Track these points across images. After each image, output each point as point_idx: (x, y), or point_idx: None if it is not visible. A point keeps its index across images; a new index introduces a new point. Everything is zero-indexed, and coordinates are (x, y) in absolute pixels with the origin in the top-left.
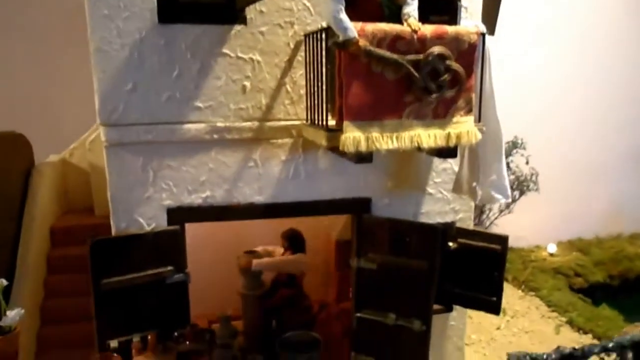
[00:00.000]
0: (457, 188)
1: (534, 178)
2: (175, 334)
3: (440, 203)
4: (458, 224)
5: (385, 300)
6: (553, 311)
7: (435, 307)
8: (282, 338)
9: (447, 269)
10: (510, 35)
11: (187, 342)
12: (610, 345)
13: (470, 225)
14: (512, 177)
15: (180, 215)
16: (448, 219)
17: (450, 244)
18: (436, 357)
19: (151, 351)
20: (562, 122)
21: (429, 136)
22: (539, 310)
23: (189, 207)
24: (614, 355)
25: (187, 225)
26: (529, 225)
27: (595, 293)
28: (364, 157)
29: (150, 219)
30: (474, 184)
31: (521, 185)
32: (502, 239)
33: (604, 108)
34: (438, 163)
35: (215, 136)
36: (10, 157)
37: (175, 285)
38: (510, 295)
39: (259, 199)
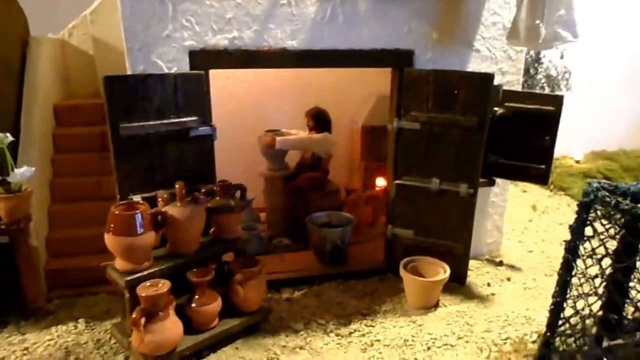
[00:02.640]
0: (513, 34)
1: (567, 76)
2: (203, 190)
3: (487, 62)
4: (505, 88)
5: (428, 164)
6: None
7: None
8: (311, 217)
9: (491, 138)
10: None
11: (217, 198)
12: None
13: (518, 90)
14: (544, 73)
15: (204, 59)
16: (495, 81)
17: (497, 109)
18: (475, 236)
19: (180, 202)
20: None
21: None
22: (571, 207)
23: (213, 49)
24: None
25: None
26: None
27: None
28: None
29: (170, 62)
30: (537, 21)
31: (552, 83)
32: (557, 98)
33: None
34: (488, 16)
35: None
36: (4, 20)
37: (200, 138)
38: (539, 194)
39: (292, 43)
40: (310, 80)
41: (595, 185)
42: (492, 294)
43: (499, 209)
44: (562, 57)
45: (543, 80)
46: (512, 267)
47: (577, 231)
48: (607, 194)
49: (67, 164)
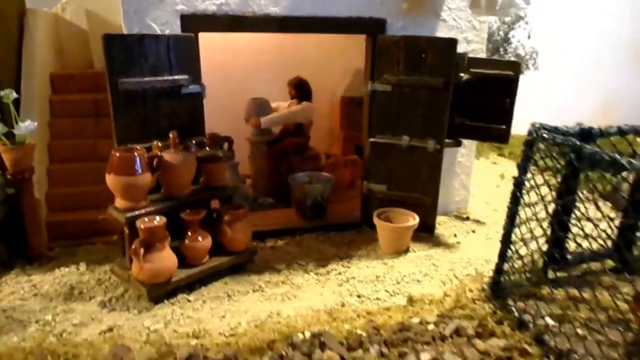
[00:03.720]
0: (474, 3)
1: (534, 56)
2: (194, 141)
3: (454, 31)
4: (470, 55)
5: (399, 123)
6: (550, 175)
7: (446, 141)
8: (294, 176)
9: (457, 102)
10: None
11: (207, 148)
12: (627, 128)
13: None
14: (513, 53)
15: (194, 22)
16: (460, 49)
17: (462, 74)
18: (443, 194)
19: (173, 149)
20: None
21: None
22: (536, 177)
23: (203, 13)
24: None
25: None
26: (522, 112)
27: None
28: None
29: (163, 25)
30: None
31: (521, 62)
32: (515, 64)
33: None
34: None
35: None
36: None
37: (191, 95)
38: (507, 165)
39: (274, 10)
40: (294, 54)
41: (537, 125)
42: (458, 242)
43: (465, 168)
44: (529, 37)
45: (513, 59)
46: (477, 222)
47: (522, 167)
48: (547, 132)
49: (63, 128)
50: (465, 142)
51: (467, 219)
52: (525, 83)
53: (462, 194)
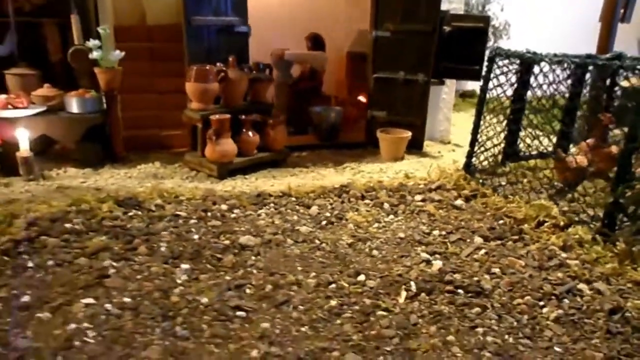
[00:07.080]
0: None
1: (507, 27)
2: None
3: None
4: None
5: (396, 61)
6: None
7: (432, 80)
8: (313, 108)
9: (442, 50)
10: None
11: (254, 72)
12: (560, 55)
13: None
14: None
15: None
16: (444, 8)
17: (445, 27)
18: (430, 124)
19: (232, 67)
20: None
21: None
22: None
23: None
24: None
25: None
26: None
27: None
28: None
29: None
30: None
31: (496, 33)
32: (485, 18)
33: None
34: None
35: None
36: None
37: (240, 34)
38: None
39: None
40: (311, 16)
41: (495, 46)
42: (442, 155)
43: (447, 104)
44: (502, 10)
45: (491, 31)
46: (457, 145)
47: (486, 77)
48: (502, 49)
49: (126, 68)
50: (447, 81)
51: (449, 143)
52: None
53: (445, 125)
